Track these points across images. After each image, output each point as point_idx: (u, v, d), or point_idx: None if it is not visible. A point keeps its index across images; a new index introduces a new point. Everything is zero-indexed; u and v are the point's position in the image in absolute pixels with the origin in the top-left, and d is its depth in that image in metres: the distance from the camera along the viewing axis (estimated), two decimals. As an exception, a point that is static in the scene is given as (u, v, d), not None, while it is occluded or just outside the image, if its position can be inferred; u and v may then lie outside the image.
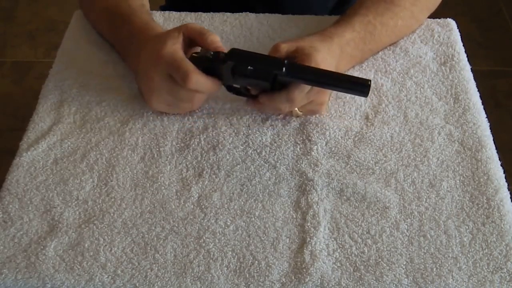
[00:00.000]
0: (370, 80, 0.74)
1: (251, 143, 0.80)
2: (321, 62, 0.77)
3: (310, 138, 0.80)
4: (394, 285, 0.67)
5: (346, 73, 0.86)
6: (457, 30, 0.96)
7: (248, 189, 0.75)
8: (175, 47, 0.76)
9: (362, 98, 0.85)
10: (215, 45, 0.77)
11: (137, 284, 0.67)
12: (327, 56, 0.79)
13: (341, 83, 0.76)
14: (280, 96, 0.76)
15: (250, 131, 0.81)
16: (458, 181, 0.76)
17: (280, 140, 0.80)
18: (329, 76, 0.76)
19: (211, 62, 0.76)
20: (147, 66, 0.78)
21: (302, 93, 0.76)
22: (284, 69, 0.74)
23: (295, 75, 0.75)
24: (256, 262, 0.69)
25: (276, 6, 1.06)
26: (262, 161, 0.78)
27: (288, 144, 0.80)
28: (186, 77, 0.74)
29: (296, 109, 0.80)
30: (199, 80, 0.75)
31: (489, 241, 0.70)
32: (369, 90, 0.74)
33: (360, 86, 0.74)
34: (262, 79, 0.75)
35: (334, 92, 0.85)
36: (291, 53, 0.78)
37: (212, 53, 0.76)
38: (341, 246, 0.70)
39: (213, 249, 0.70)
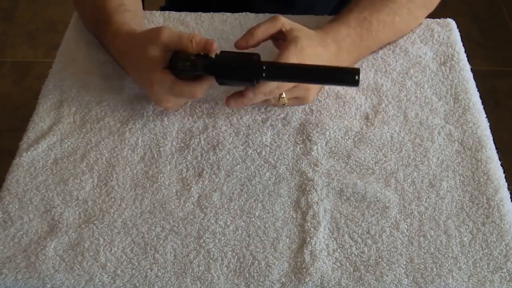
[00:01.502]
0: (359, 69, 0.72)
1: (251, 143, 0.80)
2: (307, 47, 0.77)
3: (310, 138, 0.80)
4: (394, 285, 0.67)
5: None
6: (457, 30, 0.96)
7: (248, 189, 0.75)
8: (161, 72, 0.76)
9: (362, 98, 0.85)
10: (199, 46, 0.76)
11: (137, 284, 0.67)
12: (318, 46, 0.79)
13: (327, 76, 0.74)
14: (264, 85, 0.75)
15: (250, 131, 0.81)
16: (458, 181, 0.76)
17: (280, 140, 0.80)
18: (313, 71, 0.74)
19: (196, 60, 0.75)
20: (142, 84, 0.82)
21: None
22: (264, 74, 0.72)
23: (277, 77, 0.74)
24: (256, 262, 0.69)
25: (282, 2, 1.06)
26: (262, 161, 0.78)
27: (288, 144, 0.80)
28: (194, 93, 0.77)
29: (284, 96, 0.79)
30: (179, 89, 0.76)
31: (489, 241, 0.70)
32: (358, 78, 0.71)
33: (349, 76, 0.72)
34: (243, 84, 0.75)
35: (334, 91, 0.85)
36: (284, 32, 0.79)
37: (188, 64, 0.75)
38: (341, 246, 0.70)
39: (213, 249, 0.70)
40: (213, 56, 0.75)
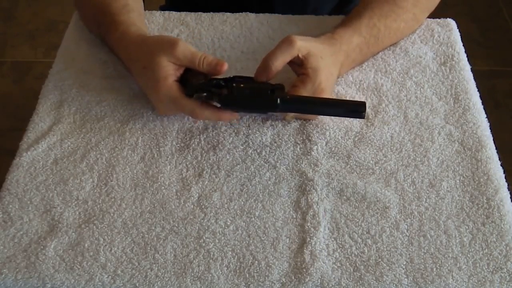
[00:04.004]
0: (365, 102, 0.76)
1: (251, 143, 0.80)
2: (323, 70, 0.78)
3: (310, 138, 0.80)
4: (394, 285, 0.67)
5: (346, 76, 0.87)
6: (457, 30, 0.96)
7: (248, 189, 0.75)
8: (170, 84, 0.77)
9: (362, 98, 0.85)
10: (209, 67, 0.77)
11: (137, 284, 0.67)
12: (331, 66, 0.80)
13: (337, 110, 0.78)
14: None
15: (250, 131, 0.81)
16: (458, 181, 0.76)
17: (280, 140, 0.80)
18: (324, 105, 0.78)
19: (209, 86, 0.77)
20: (146, 90, 0.82)
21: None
22: (277, 108, 0.76)
23: (289, 110, 0.78)
24: (256, 262, 0.69)
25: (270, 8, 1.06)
26: (262, 161, 0.78)
27: (288, 144, 0.80)
28: (194, 115, 0.79)
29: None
30: (205, 114, 0.78)
31: (489, 241, 0.70)
32: (365, 110, 0.76)
33: (356, 110, 0.76)
34: (256, 114, 0.81)
35: (334, 91, 0.85)
36: (302, 57, 0.78)
37: (204, 95, 0.76)
38: (341, 246, 0.70)
39: (213, 249, 0.70)
40: (224, 84, 0.77)
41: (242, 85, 0.76)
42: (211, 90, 0.76)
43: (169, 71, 0.77)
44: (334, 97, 0.85)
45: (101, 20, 0.88)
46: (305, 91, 0.78)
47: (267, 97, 0.76)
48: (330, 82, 0.81)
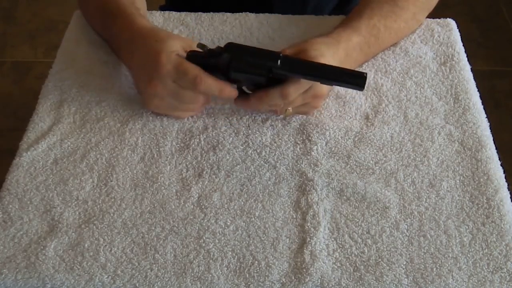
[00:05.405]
0: (366, 73, 0.74)
1: (251, 143, 0.80)
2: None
3: (310, 138, 0.80)
4: (394, 285, 0.67)
5: None
6: (457, 30, 0.96)
7: (248, 189, 0.75)
8: (173, 55, 0.76)
9: (362, 98, 0.85)
10: None
11: (137, 284, 0.67)
12: (331, 60, 0.79)
13: (337, 77, 0.75)
14: (274, 92, 0.76)
15: (250, 131, 0.81)
16: (458, 181, 0.76)
17: (280, 140, 0.80)
18: (325, 70, 0.75)
19: (207, 59, 0.76)
20: (147, 72, 0.78)
21: (297, 91, 0.76)
22: (279, 62, 0.74)
23: (290, 69, 0.75)
24: (256, 262, 0.69)
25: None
26: (262, 161, 0.78)
27: (288, 144, 0.80)
28: (197, 81, 0.75)
29: (290, 108, 0.80)
30: (208, 82, 0.75)
31: (489, 241, 0.70)
32: (365, 82, 0.74)
33: (356, 79, 0.74)
34: (257, 73, 0.76)
35: (334, 91, 0.85)
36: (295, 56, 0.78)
37: (208, 49, 0.76)
38: (341, 246, 0.70)
39: (213, 249, 0.70)
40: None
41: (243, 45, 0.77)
42: (213, 51, 0.76)
43: (175, 47, 0.77)
44: (334, 97, 0.85)
45: (108, 11, 0.88)
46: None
47: (269, 52, 0.75)
48: None
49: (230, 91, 0.77)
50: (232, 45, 0.76)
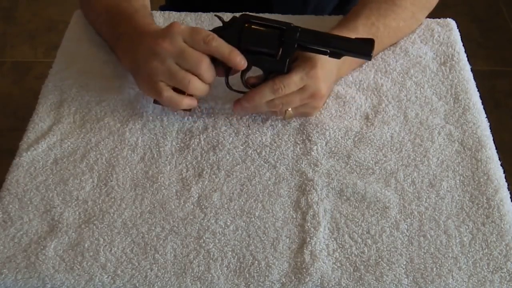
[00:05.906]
0: (373, 39, 0.76)
1: (251, 143, 0.80)
2: (321, 67, 0.78)
3: (310, 138, 0.80)
4: (394, 285, 0.67)
5: (346, 76, 0.87)
6: (457, 30, 0.96)
7: (248, 189, 0.75)
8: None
9: (362, 98, 0.85)
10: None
11: (137, 284, 0.67)
12: (329, 62, 0.79)
13: (345, 45, 0.77)
14: (264, 87, 0.77)
15: (250, 131, 0.81)
16: (458, 181, 0.76)
17: (280, 140, 0.80)
18: (334, 38, 0.77)
19: (223, 31, 0.77)
20: (152, 49, 0.76)
21: (288, 84, 0.76)
22: (298, 32, 0.76)
23: (308, 39, 0.77)
24: (256, 262, 0.69)
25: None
26: (262, 161, 0.78)
27: (288, 144, 0.80)
28: (209, 38, 0.75)
29: (290, 110, 0.80)
30: (220, 41, 0.76)
31: (489, 241, 0.70)
32: (373, 49, 0.76)
33: (365, 46, 0.77)
34: (269, 42, 0.77)
35: (334, 91, 0.85)
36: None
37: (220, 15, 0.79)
38: (341, 246, 0.70)
39: (213, 249, 0.70)
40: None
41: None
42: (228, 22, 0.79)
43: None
44: (334, 97, 0.85)
45: (117, 11, 0.87)
46: (301, 70, 0.77)
47: (282, 22, 0.77)
48: (328, 76, 0.80)
49: (241, 58, 0.77)
50: (247, 14, 0.79)
